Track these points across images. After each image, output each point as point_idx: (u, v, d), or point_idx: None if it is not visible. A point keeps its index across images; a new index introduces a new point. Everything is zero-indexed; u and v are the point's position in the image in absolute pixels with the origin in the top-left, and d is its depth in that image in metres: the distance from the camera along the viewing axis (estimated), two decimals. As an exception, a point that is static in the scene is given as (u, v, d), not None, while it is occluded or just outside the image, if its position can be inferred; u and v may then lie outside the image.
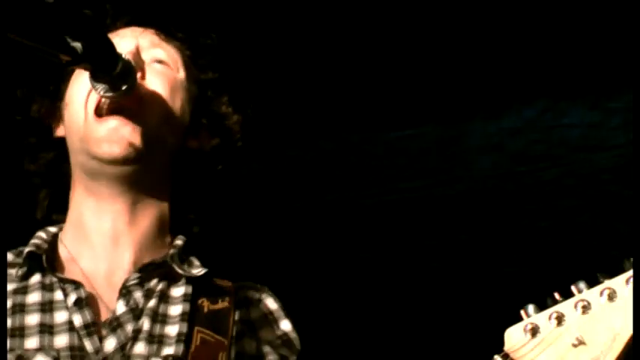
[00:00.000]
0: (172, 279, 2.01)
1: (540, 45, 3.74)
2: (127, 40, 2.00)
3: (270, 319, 2.10)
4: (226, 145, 2.17)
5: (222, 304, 2.01)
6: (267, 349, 2.06)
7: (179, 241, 2.06)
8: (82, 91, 1.94)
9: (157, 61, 2.05)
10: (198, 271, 2.03)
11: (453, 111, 3.85)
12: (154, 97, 1.98)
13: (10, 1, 1.54)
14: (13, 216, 2.11)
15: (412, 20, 3.69)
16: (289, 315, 2.13)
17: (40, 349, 1.86)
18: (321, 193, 4.09)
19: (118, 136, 1.92)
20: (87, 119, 1.94)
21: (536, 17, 3.72)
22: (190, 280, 2.01)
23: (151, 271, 1.99)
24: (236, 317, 2.02)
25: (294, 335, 2.10)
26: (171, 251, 2.02)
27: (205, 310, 1.98)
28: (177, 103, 2.03)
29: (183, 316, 1.95)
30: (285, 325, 2.11)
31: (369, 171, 4.13)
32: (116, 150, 1.92)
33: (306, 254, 4.33)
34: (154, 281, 1.99)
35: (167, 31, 2.12)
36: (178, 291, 2.00)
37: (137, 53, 1.97)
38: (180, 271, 2.00)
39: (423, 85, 3.73)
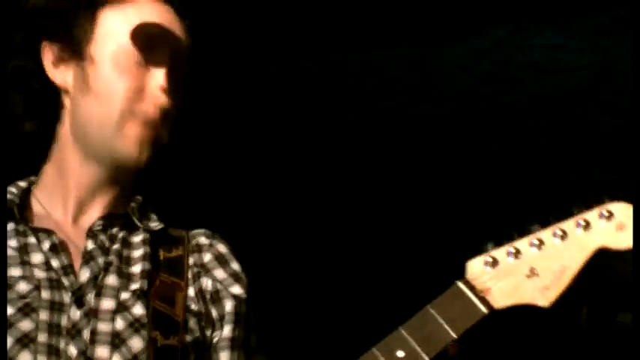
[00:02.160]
0: (132, 229, 2.19)
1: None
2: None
3: (221, 261, 2.26)
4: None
5: (176, 252, 2.20)
6: (220, 287, 2.22)
7: (139, 197, 2.23)
8: (117, 79, 2.14)
9: (179, 54, 2.21)
10: (155, 225, 2.22)
11: (423, 33, 3.96)
12: (173, 109, 2.17)
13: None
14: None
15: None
16: (238, 258, 2.30)
17: (23, 277, 2.01)
18: (299, 111, 4.19)
19: (143, 145, 2.10)
20: (120, 118, 2.09)
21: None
22: (148, 232, 2.19)
23: (113, 220, 2.17)
24: (190, 262, 2.22)
25: (242, 274, 2.27)
26: (132, 204, 2.20)
27: (161, 258, 2.17)
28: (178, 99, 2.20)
29: (145, 257, 2.14)
30: (235, 266, 2.27)
31: (345, 90, 4.24)
32: (144, 157, 2.10)
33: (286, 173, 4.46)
34: (116, 229, 2.17)
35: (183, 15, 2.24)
36: (138, 238, 2.18)
37: (176, 59, 2.17)
38: (138, 224, 2.19)
39: (396, 8, 3.83)
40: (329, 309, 5.43)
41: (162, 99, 2.12)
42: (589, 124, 4.32)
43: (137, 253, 2.17)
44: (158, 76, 2.13)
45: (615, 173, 4.42)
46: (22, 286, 2.00)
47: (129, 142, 2.10)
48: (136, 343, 2.01)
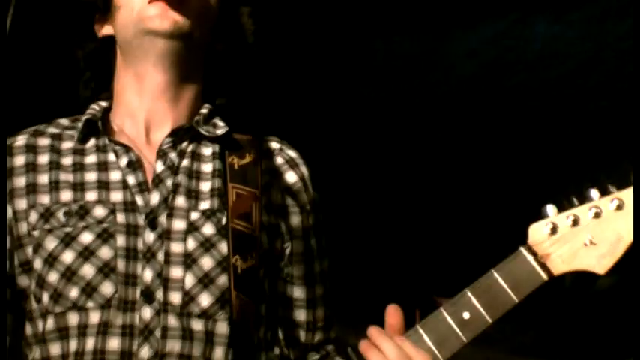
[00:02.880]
0: (201, 141, 2.09)
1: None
2: None
3: (290, 165, 2.16)
4: (242, 48, 2.26)
5: (249, 158, 2.07)
6: (288, 197, 2.13)
7: (204, 110, 2.13)
8: None
9: None
10: (221, 131, 2.10)
11: (434, 22, 3.87)
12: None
13: None
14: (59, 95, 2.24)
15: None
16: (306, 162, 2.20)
17: (99, 202, 1.93)
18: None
19: (167, 15, 2.00)
20: (141, 6, 2.02)
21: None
22: (216, 140, 2.09)
23: (181, 135, 2.06)
24: (263, 167, 2.10)
25: (309, 180, 2.18)
26: (196, 118, 2.10)
27: (236, 166, 2.05)
28: (210, 8, 2.11)
29: (214, 173, 2.04)
30: (304, 170, 2.18)
31: (366, 72, 4.14)
32: (166, 24, 1.99)
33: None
34: (185, 144, 2.06)
35: None
36: (207, 151, 2.08)
37: None
38: (205, 133, 2.08)
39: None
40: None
41: None
42: (580, 105, 4.26)
43: (207, 167, 2.06)
44: None
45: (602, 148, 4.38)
46: (99, 211, 1.93)
47: (152, 15, 2.02)
48: (207, 262, 1.91)
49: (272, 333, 2.07)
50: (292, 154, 2.20)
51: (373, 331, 1.83)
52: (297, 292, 2.13)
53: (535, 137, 4.44)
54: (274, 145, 2.20)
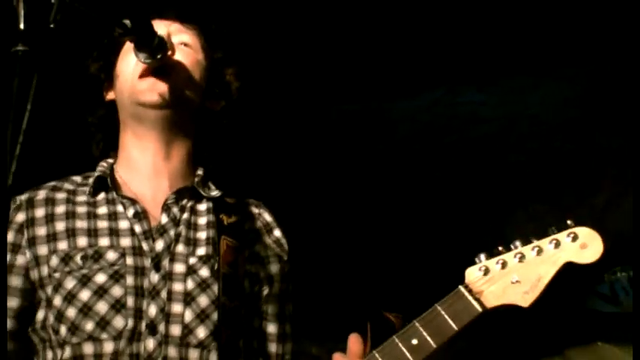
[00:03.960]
0: (198, 199, 2.08)
1: (441, 42, 3.78)
2: (160, 28, 2.02)
3: (267, 228, 2.16)
4: (229, 104, 2.24)
5: (235, 218, 2.08)
6: (266, 251, 2.12)
7: (200, 172, 2.13)
8: (129, 63, 2.01)
9: (183, 44, 2.11)
10: (215, 193, 2.11)
11: (378, 89, 3.87)
12: (181, 66, 2.05)
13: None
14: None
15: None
16: (280, 225, 2.21)
17: (111, 247, 1.91)
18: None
19: (155, 88, 1.99)
20: (133, 79, 2.01)
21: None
22: (210, 200, 2.09)
23: (183, 193, 2.06)
24: (246, 227, 2.11)
25: (283, 240, 2.17)
26: (196, 179, 2.10)
27: (225, 222, 2.05)
28: (196, 73, 2.09)
29: (209, 225, 2.04)
30: (277, 233, 2.17)
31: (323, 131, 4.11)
32: (155, 97, 1.98)
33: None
34: (185, 200, 2.06)
35: (189, 22, 2.18)
36: (203, 207, 2.08)
37: (169, 37, 2.03)
38: (203, 193, 2.08)
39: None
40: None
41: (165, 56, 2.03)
42: (500, 160, 4.22)
43: (203, 220, 2.06)
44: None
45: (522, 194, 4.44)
46: (111, 255, 1.91)
47: (143, 91, 2.00)
48: (204, 301, 1.91)
49: None
50: (268, 218, 2.21)
51: (337, 356, 1.83)
52: (271, 328, 2.13)
53: (466, 188, 4.44)
54: (254, 209, 2.21)
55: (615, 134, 4.14)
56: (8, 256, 1.94)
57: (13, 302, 1.92)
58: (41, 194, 2.03)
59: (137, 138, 2.08)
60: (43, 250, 1.95)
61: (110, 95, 2.16)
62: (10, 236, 1.96)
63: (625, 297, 5.47)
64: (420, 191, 4.47)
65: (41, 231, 1.96)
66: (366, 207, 4.61)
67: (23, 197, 2.03)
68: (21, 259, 1.95)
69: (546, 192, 4.60)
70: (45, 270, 1.92)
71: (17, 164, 1.32)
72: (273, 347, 2.11)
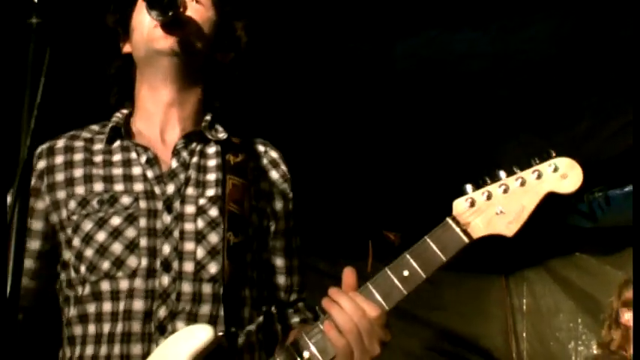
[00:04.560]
0: (206, 142, 2.02)
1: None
2: None
3: (274, 165, 2.10)
4: (239, 56, 2.15)
5: (241, 157, 2.01)
6: (272, 187, 2.06)
7: (208, 117, 2.05)
8: (144, 16, 1.92)
9: (194, 1, 2.02)
10: (222, 135, 2.03)
11: (382, 29, 3.70)
12: (191, 21, 1.97)
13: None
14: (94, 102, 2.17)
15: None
16: (286, 161, 2.15)
17: (125, 191, 1.86)
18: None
19: (168, 37, 1.92)
20: (149, 29, 1.93)
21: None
22: (218, 142, 2.02)
23: (192, 137, 2.00)
24: (251, 165, 2.04)
25: (289, 175, 2.12)
26: (203, 123, 2.02)
27: (231, 162, 1.99)
28: (206, 28, 2.01)
29: (217, 167, 1.98)
30: (283, 168, 2.11)
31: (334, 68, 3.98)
32: (168, 44, 1.91)
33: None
34: (194, 144, 1.99)
35: None
36: (211, 149, 2.01)
37: None
38: (210, 137, 2.02)
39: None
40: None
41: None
42: (492, 93, 4.18)
43: (211, 162, 1.99)
44: None
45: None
46: (125, 199, 1.86)
47: (158, 38, 1.93)
48: (213, 238, 1.86)
49: (258, 293, 1.99)
50: (275, 154, 2.14)
51: (332, 290, 1.74)
52: (279, 262, 2.08)
53: (460, 117, 4.40)
54: (260, 147, 2.14)
55: (596, 69, 3.99)
56: (31, 201, 1.88)
57: (34, 244, 1.90)
58: (60, 143, 1.98)
59: (151, 89, 2.01)
60: (61, 194, 1.89)
61: (127, 48, 2.08)
62: (32, 182, 1.89)
63: (601, 214, 5.54)
64: (419, 120, 4.38)
65: (60, 177, 1.91)
66: (370, 136, 4.51)
67: (44, 146, 1.99)
68: (41, 204, 1.92)
69: (533, 122, 4.51)
70: (64, 213, 1.89)
71: (32, 138, 1.23)
72: (281, 279, 2.07)
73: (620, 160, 4.82)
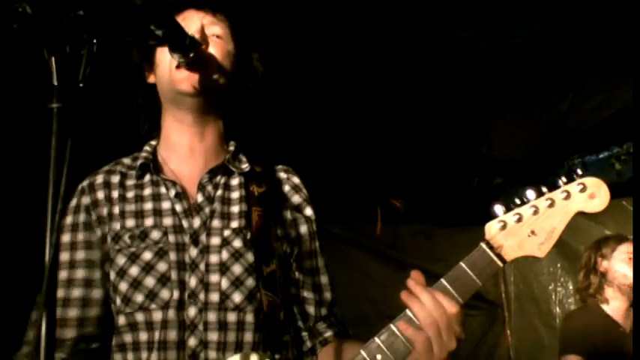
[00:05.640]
0: (230, 174, 1.74)
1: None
2: (194, 21, 1.70)
3: (296, 190, 1.82)
4: (255, 86, 1.86)
5: (264, 187, 1.74)
6: (295, 213, 1.78)
7: (231, 147, 1.77)
8: (167, 55, 1.62)
9: (215, 36, 1.73)
10: (245, 166, 1.76)
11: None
12: (213, 59, 1.69)
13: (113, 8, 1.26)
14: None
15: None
16: (306, 186, 1.87)
17: (155, 226, 1.63)
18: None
19: (189, 79, 1.64)
20: (171, 69, 1.65)
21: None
22: (241, 173, 1.74)
23: (216, 171, 1.72)
24: (274, 193, 1.77)
25: (308, 199, 1.83)
26: (227, 156, 1.75)
27: (255, 193, 1.72)
28: (226, 63, 1.72)
29: (241, 199, 1.71)
30: (305, 193, 1.83)
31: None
32: (190, 87, 1.64)
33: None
34: (219, 177, 1.72)
35: (220, 13, 1.78)
36: (235, 181, 1.73)
37: (203, 31, 1.68)
38: (234, 169, 1.74)
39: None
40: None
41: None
42: (485, 78, 3.91)
43: (235, 194, 1.72)
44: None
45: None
46: (155, 234, 1.63)
47: (179, 80, 1.66)
48: (237, 269, 1.61)
49: (288, 314, 1.73)
50: (296, 180, 1.85)
51: (411, 282, 1.45)
52: (308, 280, 1.79)
53: (458, 99, 4.14)
54: (282, 174, 1.85)
55: (580, 57, 3.71)
56: (85, 235, 1.67)
57: (97, 274, 1.66)
58: (99, 179, 1.74)
59: (175, 121, 1.74)
60: (105, 228, 1.67)
61: (151, 79, 1.80)
62: (82, 217, 1.68)
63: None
64: (422, 103, 4.10)
65: (103, 211, 1.69)
66: (379, 116, 4.20)
67: (85, 183, 1.73)
68: (94, 237, 1.67)
69: (521, 103, 4.25)
70: (107, 246, 1.65)
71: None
72: (310, 296, 1.79)
73: (596, 132, 4.69)
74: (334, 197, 4.74)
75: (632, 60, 3.51)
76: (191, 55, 1.59)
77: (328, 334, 1.77)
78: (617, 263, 3.75)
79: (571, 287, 5.52)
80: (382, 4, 3.20)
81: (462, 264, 1.44)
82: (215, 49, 1.71)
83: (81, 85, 1.13)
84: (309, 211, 1.81)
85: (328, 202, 4.61)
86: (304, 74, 3.57)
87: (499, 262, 1.43)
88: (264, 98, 1.90)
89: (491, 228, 1.47)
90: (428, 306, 1.40)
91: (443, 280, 1.43)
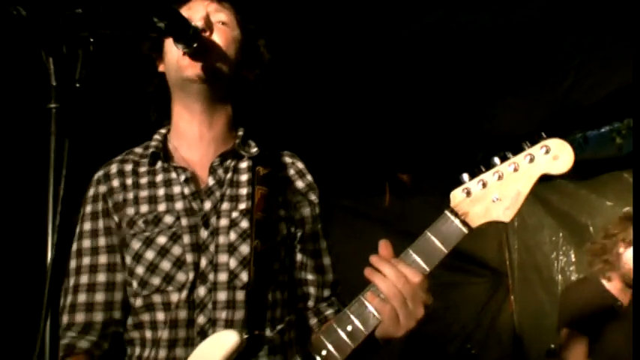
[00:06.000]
0: (240, 157, 1.71)
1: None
2: (199, 10, 1.66)
3: (300, 175, 1.78)
4: (262, 73, 1.81)
5: (269, 168, 1.71)
6: (298, 196, 1.74)
7: (240, 132, 1.74)
8: (173, 45, 1.59)
9: (221, 22, 1.68)
10: (254, 151, 1.72)
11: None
12: (217, 46, 1.64)
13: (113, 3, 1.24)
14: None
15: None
16: (310, 171, 1.82)
17: (168, 211, 1.60)
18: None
19: (195, 65, 1.60)
20: (178, 57, 1.61)
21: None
22: (250, 157, 1.71)
23: (226, 155, 1.69)
24: (279, 175, 1.73)
25: (314, 184, 1.79)
26: (237, 140, 1.71)
27: (260, 173, 1.68)
28: (232, 50, 1.67)
29: (249, 181, 1.67)
30: (309, 178, 1.79)
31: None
32: (195, 73, 1.60)
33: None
34: (228, 161, 1.69)
35: (225, 1, 1.74)
36: (243, 164, 1.70)
37: (208, 18, 1.63)
38: (243, 153, 1.71)
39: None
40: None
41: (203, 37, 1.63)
42: (487, 60, 3.81)
43: (243, 177, 1.68)
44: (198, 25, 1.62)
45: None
46: (168, 218, 1.59)
47: (186, 67, 1.61)
48: (244, 249, 1.57)
49: (289, 295, 1.70)
50: (301, 165, 1.81)
51: (373, 258, 1.43)
52: (310, 262, 1.75)
53: (461, 81, 4.05)
54: (287, 159, 1.80)
55: (581, 36, 3.62)
56: (105, 221, 1.65)
57: (117, 257, 1.63)
58: (114, 168, 1.70)
59: (185, 109, 1.69)
60: (121, 214, 1.64)
61: (161, 68, 1.76)
62: (100, 205, 1.65)
63: (580, 151, 5.08)
64: (427, 85, 4.04)
65: (119, 198, 1.65)
66: (389, 95, 4.14)
67: (100, 173, 1.70)
68: (112, 222, 1.64)
69: (524, 82, 4.16)
70: (122, 232, 1.63)
71: (59, 236, 0.98)
72: (312, 277, 1.74)
73: (596, 108, 4.63)
74: (345, 172, 4.72)
75: (631, 39, 3.41)
76: (194, 45, 1.55)
77: (328, 312, 1.74)
78: (630, 260, 3.41)
79: (573, 256, 5.44)
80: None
81: (428, 232, 1.39)
82: (220, 36, 1.65)
83: (77, 85, 1.10)
84: (312, 196, 1.77)
85: (340, 177, 4.65)
86: (313, 53, 3.51)
87: (464, 229, 1.38)
88: (272, 83, 1.85)
89: (456, 195, 1.41)
90: (390, 278, 1.37)
91: (409, 250, 1.39)
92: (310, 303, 1.73)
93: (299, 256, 1.73)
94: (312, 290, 1.74)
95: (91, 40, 1.13)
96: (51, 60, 1.08)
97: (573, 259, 5.43)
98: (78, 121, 1.08)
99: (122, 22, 1.29)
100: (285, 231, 1.68)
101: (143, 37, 1.66)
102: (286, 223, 1.69)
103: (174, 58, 1.63)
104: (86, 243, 1.62)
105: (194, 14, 1.61)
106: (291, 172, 1.78)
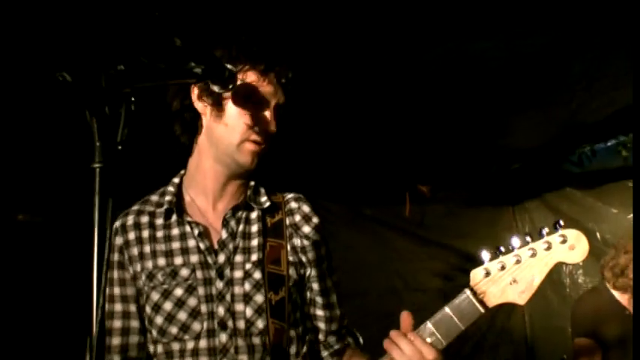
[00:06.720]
0: (251, 209, 1.64)
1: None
2: (271, 95, 1.56)
3: (306, 219, 1.68)
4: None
5: (277, 217, 1.64)
6: (305, 240, 1.65)
7: (252, 183, 1.66)
8: (238, 120, 1.52)
9: (279, 106, 1.59)
10: (264, 200, 1.66)
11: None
12: (274, 134, 1.58)
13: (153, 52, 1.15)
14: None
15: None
16: (316, 212, 1.72)
17: (184, 264, 1.55)
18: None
19: (257, 155, 1.56)
20: (242, 137, 1.53)
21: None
22: (260, 209, 1.65)
23: (238, 207, 1.63)
24: (287, 223, 1.66)
25: (320, 225, 1.68)
26: (248, 191, 1.64)
27: (269, 224, 1.62)
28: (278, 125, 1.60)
29: (259, 232, 1.61)
30: (315, 220, 1.68)
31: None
32: (254, 163, 1.56)
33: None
34: (240, 212, 1.62)
35: (285, 79, 1.60)
36: (254, 214, 1.63)
37: (276, 108, 1.57)
38: (254, 206, 1.64)
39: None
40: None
41: (269, 129, 1.56)
42: (502, 81, 3.64)
43: (254, 228, 1.61)
44: (267, 115, 1.56)
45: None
46: (184, 272, 1.55)
47: (245, 156, 1.55)
48: (259, 299, 1.54)
49: (302, 330, 1.65)
50: (306, 209, 1.70)
51: (393, 332, 1.40)
52: (318, 299, 1.69)
53: (478, 100, 3.89)
54: (294, 204, 1.70)
55: (588, 62, 3.45)
56: (119, 273, 1.60)
57: (133, 307, 1.59)
58: (130, 220, 1.63)
59: (213, 172, 1.62)
60: (137, 267, 1.60)
61: (200, 106, 1.59)
62: (116, 256, 1.61)
63: (588, 163, 5.04)
64: (450, 103, 3.88)
65: (134, 251, 1.60)
66: (409, 113, 3.98)
67: (117, 224, 1.63)
68: (127, 274, 1.60)
69: (536, 103, 4.00)
70: (140, 283, 1.59)
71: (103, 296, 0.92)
72: (321, 313, 1.69)
73: (603, 125, 4.50)
74: (369, 184, 4.63)
75: (632, 63, 3.24)
76: (230, 87, 1.44)
77: (337, 346, 1.72)
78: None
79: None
80: (413, 18, 2.97)
81: (447, 308, 1.35)
82: (277, 120, 1.58)
83: (119, 147, 1.04)
84: (318, 238, 1.69)
85: (364, 188, 4.54)
86: (340, 71, 3.37)
87: (481, 309, 1.34)
88: (301, 103, 1.73)
89: (477, 275, 1.36)
90: (407, 353, 1.34)
91: (428, 323, 1.36)
92: (321, 337, 1.71)
93: (308, 294, 1.69)
94: (321, 325, 1.70)
95: (132, 99, 1.08)
96: (94, 120, 1.04)
97: (580, 265, 5.23)
98: (121, 180, 1.03)
99: (161, 72, 1.21)
100: (296, 276, 1.63)
101: (182, 83, 1.55)
102: (296, 268, 1.64)
103: (241, 136, 1.54)
104: None
105: (269, 96, 1.54)
106: (297, 218, 1.69)
